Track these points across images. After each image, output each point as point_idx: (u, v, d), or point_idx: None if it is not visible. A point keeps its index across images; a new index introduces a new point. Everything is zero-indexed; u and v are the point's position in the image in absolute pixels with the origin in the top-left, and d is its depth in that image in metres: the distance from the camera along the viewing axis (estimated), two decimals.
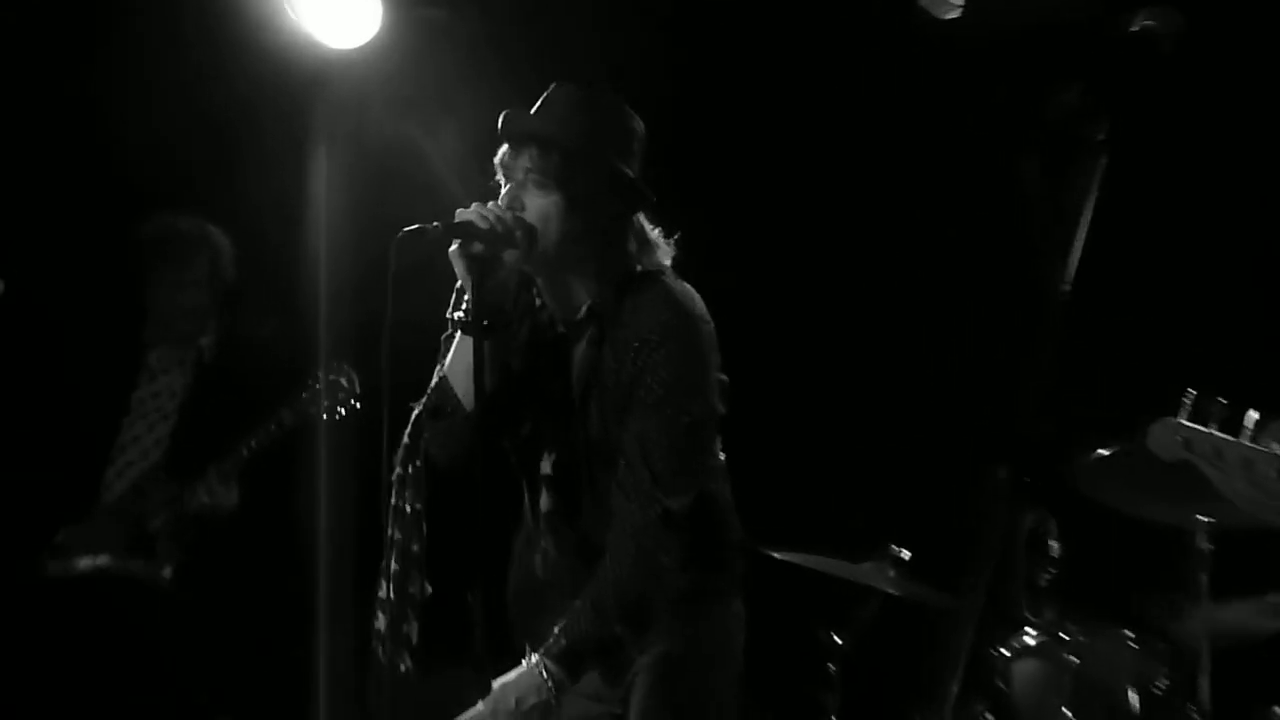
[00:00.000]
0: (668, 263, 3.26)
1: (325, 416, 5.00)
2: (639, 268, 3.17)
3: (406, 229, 2.96)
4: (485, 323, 3.06)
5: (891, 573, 5.06)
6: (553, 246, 3.11)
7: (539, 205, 3.11)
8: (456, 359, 3.14)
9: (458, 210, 3.09)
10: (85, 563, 4.92)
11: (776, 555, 4.85)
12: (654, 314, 3.09)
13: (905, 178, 5.70)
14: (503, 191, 3.16)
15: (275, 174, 5.44)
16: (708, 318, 3.17)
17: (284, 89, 5.48)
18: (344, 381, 5.04)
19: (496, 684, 3.08)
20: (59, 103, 5.47)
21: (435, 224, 3.02)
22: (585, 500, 3.18)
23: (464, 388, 3.10)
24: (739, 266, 5.53)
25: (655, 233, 3.24)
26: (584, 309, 3.15)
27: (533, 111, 3.20)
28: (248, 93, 5.51)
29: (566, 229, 3.10)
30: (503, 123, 3.16)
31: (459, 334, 3.17)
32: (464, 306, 3.15)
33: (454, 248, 3.08)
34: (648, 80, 4.03)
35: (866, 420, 5.95)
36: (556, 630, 3.11)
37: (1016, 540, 5.49)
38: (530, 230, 3.11)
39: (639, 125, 3.24)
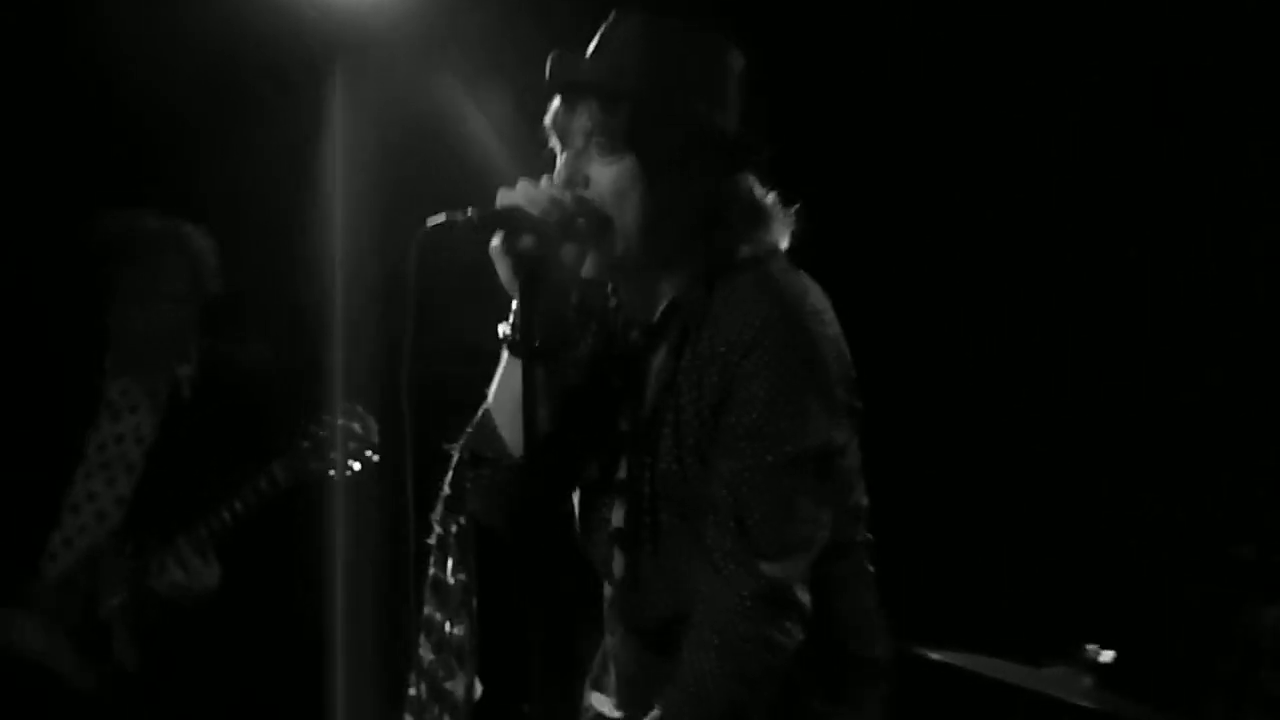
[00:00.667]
0: (784, 244, 2.85)
1: (334, 473, 4.52)
2: (744, 250, 2.80)
3: (431, 220, 2.61)
4: (537, 342, 2.70)
5: (1087, 680, 4.44)
6: (632, 231, 2.75)
7: (608, 177, 2.73)
8: (502, 389, 2.83)
9: (500, 192, 2.70)
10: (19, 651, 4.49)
11: (933, 656, 4.36)
12: (748, 309, 2.70)
13: (1117, 173, 5.17)
14: (558, 163, 2.79)
15: (277, 155, 4.91)
16: (826, 316, 2.75)
17: (292, 47, 5.02)
18: (357, 427, 4.55)
19: None
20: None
21: (470, 211, 2.63)
22: (645, 559, 2.81)
23: (511, 425, 2.79)
24: (893, 267, 5.17)
25: (770, 199, 2.85)
26: (662, 306, 2.81)
27: (590, 52, 2.81)
28: (247, 52, 5.02)
29: (647, 206, 2.73)
30: (551, 69, 2.78)
31: (505, 356, 2.83)
32: (511, 320, 2.78)
33: (496, 243, 2.69)
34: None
35: (1059, 478, 5.36)
36: None
37: (1258, 640, 4.81)
38: (598, 216, 2.72)
39: (736, 60, 2.82)
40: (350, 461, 4.54)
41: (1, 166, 4.96)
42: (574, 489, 2.95)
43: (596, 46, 2.83)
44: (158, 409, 4.64)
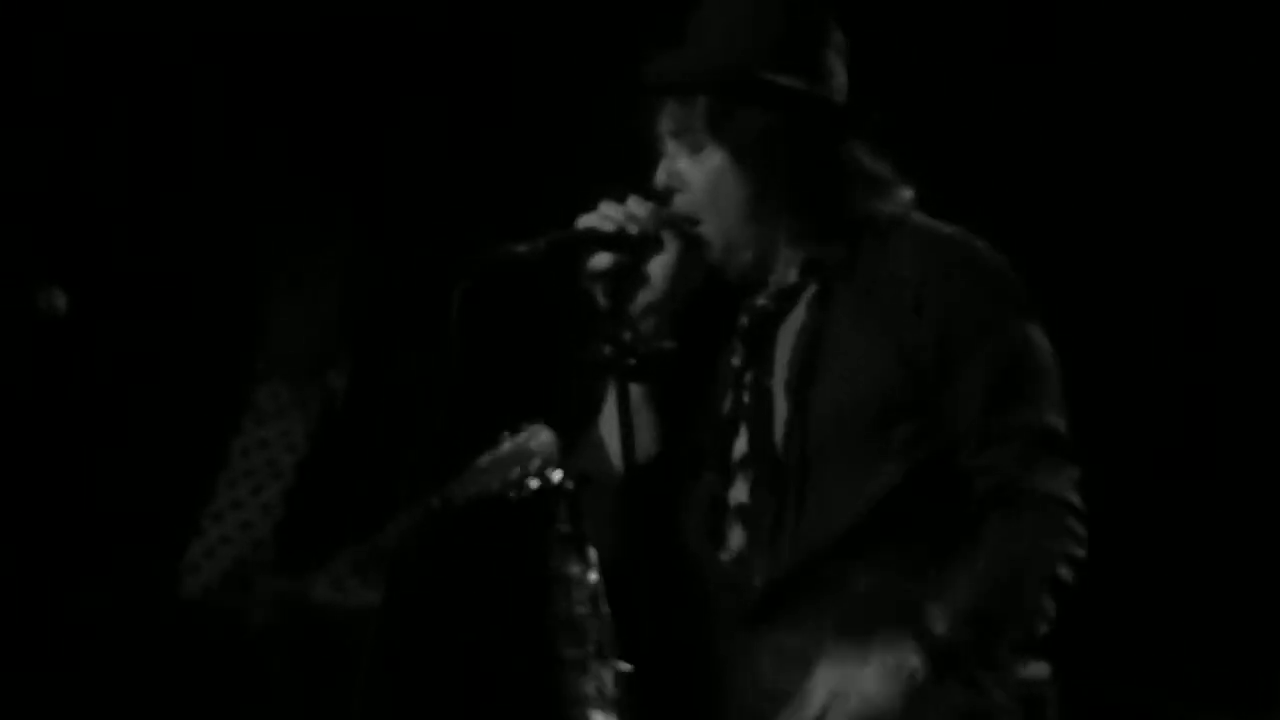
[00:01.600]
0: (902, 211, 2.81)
1: (510, 492, 4.16)
2: (876, 209, 2.77)
3: (490, 252, 2.65)
4: (631, 362, 2.72)
5: None
6: (733, 221, 2.76)
7: (699, 175, 2.76)
8: (610, 409, 2.81)
9: (578, 218, 2.76)
10: None
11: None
12: (924, 250, 2.70)
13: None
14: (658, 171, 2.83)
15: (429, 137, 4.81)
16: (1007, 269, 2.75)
17: None
18: (535, 444, 4.25)
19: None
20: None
21: (541, 240, 2.67)
22: (774, 532, 2.71)
23: (616, 446, 2.78)
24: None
25: (883, 167, 2.81)
26: (798, 267, 2.77)
27: (677, 45, 2.83)
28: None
29: (742, 195, 2.75)
30: (636, 74, 2.83)
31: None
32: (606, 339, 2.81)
33: (583, 268, 2.76)
34: None
35: None
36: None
37: None
38: (682, 222, 2.75)
39: (830, 25, 2.81)
40: (529, 480, 4.39)
41: (160, 155, 4.86)
42: (682, 509, 2.91)
43: (678, 39, 2.82)
44: (308, 417, 4.54)
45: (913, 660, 2.54)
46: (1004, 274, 2.70)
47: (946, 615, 2.56)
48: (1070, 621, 2.75)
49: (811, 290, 2.78)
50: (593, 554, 2.78)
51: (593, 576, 2.75)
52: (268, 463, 4.47)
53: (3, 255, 4.53)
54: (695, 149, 2.76)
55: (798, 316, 2.80)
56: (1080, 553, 2.62)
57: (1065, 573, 2.60)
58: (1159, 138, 4.83)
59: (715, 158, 2.75)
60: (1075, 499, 2.62)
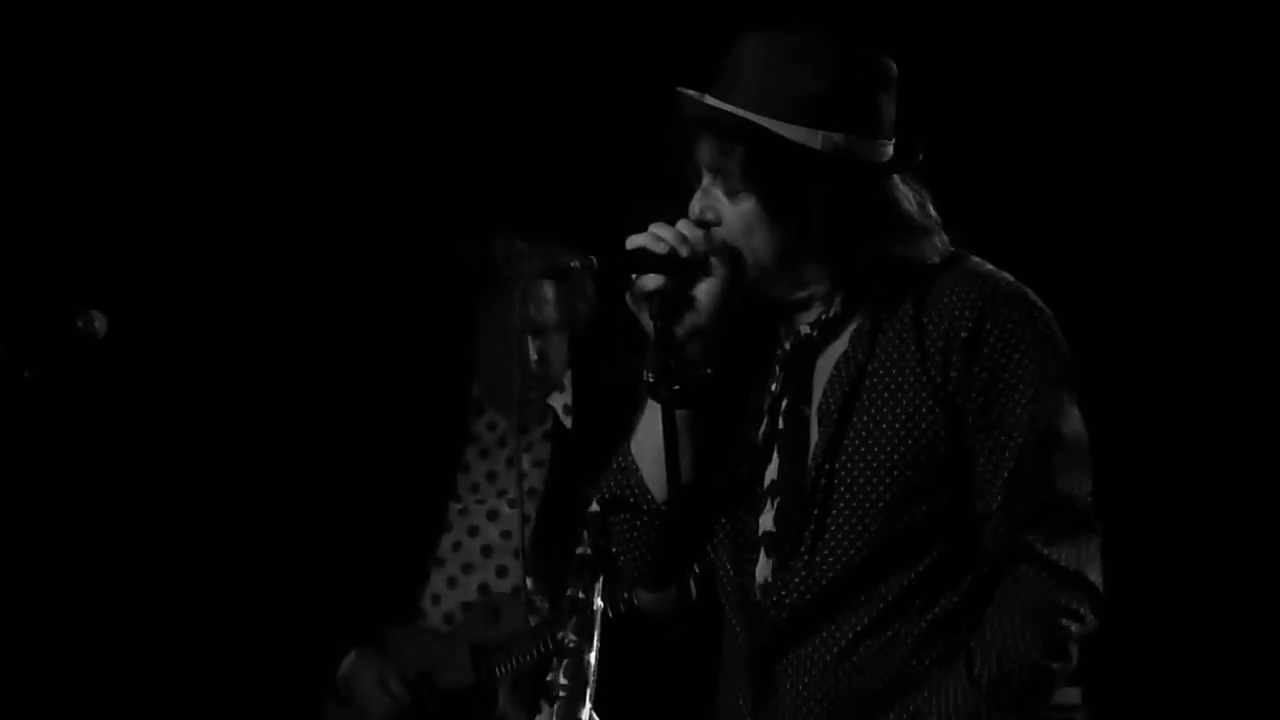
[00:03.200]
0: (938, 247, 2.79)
1: None
2: (926, 254, 2.76)
3: (541, 269, 2.94)
4: (676, 386, 2.71)
5: None
6: (766, 261, 2.76)
7: (734, 215, 2.76)
8: (644, 432, 2.81)
9: (628, 238, 2.76)
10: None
11: None
12: (970, 294, 2.71)
13: None
14: (693, 200, 2.83)
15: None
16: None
17: None
18: None
19: None
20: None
21: (590, 256, 2.73)
22: (799, 561, 2.73)
23: (653, 469, 2.78)
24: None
25: (918, 207, 2.78)
26: (839, 299, 2.78)
27: (717, 82, 2.79)
28: None
29: (776, 240, 2.75)
30: (674, 108, 2.80)
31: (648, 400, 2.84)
32: (649, 363, 2.81)
33: (631, 288, 2.76)
34: None
35: None
36: None
37: None
38: (729, 252, 2.75)
39: (878, 67, 2.76)
40: None
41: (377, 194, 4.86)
42: (716, 536, 2.90)
43: (718, 77, 2.78)
44: (532, 444, 4.51)
45: None
46: (1054, 336, 2.70)
47: None
48: (1101, 646, 2.73)
49: (857, 323, 2.77)
50: (604, 579, 2.81)
51: (597, 602, 2.78)
52: (498, 493, 4.47)
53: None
54: (730, 191, 2.74)
55: (839, 346, 2.78)
56: (1087, 628, 2.64)
57: (1073, 650, 2.64)
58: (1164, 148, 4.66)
59: (750, 204, 2.74)
60: (1091, 571, 2.64)
